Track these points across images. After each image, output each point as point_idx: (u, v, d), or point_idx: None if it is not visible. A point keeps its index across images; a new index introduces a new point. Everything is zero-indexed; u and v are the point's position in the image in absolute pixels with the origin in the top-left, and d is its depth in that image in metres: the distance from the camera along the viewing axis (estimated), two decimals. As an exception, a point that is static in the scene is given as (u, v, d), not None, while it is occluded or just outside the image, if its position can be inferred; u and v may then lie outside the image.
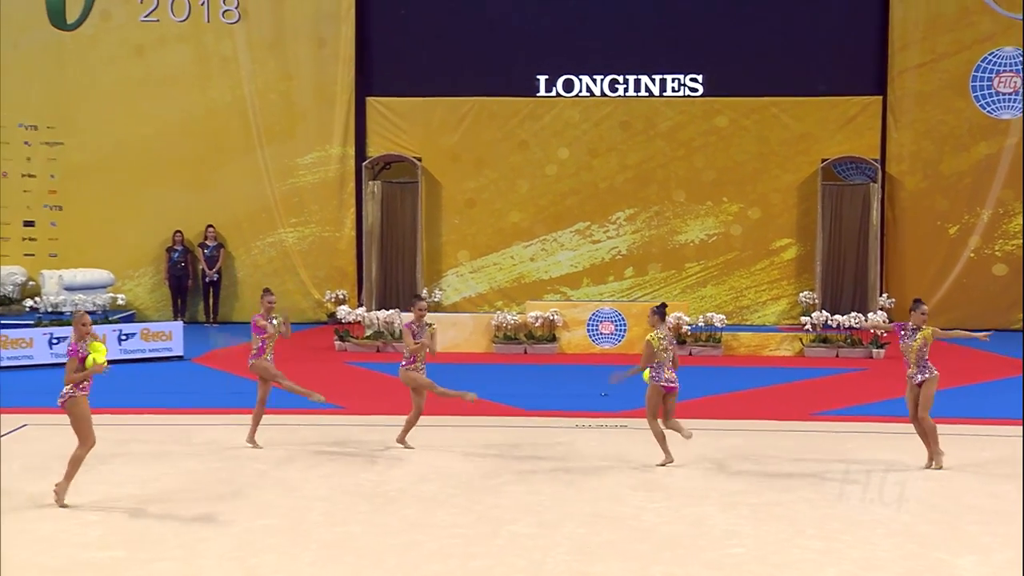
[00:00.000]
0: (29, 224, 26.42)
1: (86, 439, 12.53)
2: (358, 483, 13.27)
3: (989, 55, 25.06)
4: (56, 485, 12.44)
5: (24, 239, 26.40)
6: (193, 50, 26.04)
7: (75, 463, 12.50)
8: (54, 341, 20.73)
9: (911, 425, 16.02)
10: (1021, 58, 24.92)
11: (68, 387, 12.51)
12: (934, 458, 14.10)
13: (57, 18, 26.01)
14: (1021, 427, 15.61)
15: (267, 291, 15.44)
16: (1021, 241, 25.17)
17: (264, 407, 15.06)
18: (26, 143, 26.24)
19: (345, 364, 21.26)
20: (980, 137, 25.22)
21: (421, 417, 14.98)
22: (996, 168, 25.14)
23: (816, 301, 24.31)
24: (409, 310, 15.64)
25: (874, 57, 25.38)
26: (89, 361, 12.45)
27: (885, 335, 19.59)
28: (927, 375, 14.45)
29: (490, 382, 19.04)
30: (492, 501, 12.52)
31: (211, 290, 25.84)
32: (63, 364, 19.50)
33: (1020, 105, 24.98)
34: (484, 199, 25.99)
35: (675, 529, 11.62)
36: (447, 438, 15.10)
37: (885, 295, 24.59)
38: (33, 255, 26.27)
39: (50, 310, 23.56)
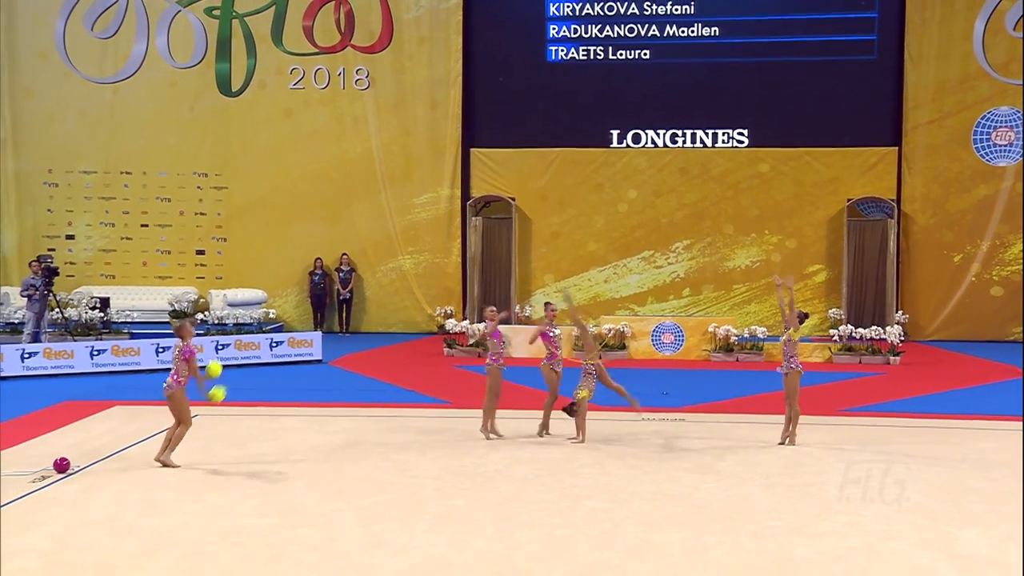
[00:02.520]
0: (200, 253, 26.83)
1: (188, 420, 13.27)
2: (462, 465, 13.31)
3: (988, 113, 24.67)
4: (156, 458, 13.14)
5: (196, 265, 26.82)
6: (331, 112, 26.32)
7: (179, 439, 13.23)
8: (219, 347, 21.02)
9: (923, 419, 15.84)
10: (1015, 116, 24.54)
11: (172, 379, 13.17)
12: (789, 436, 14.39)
13: (224, 87, 26.43)
14: (1021, 423, 15.29)
15: (548, 304, 15.51)
16: (1016, 268, 24.73)
17: (555, 399, 14.93)
18: (198, 187, 26.67)
19: (452, 367, 21.35)
20: (980, 181, 24.82)
21: (511, 410, 14.98)
22: (994, 207, 24.73)
23: (842, 317, 24.04)
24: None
25: (891, 115, 25.05)
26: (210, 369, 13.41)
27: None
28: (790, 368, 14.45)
29: (571, 383, 18.98)
30: (572, 481, 12.51)
31: (344, 306, 26.04)
32: (228, 366, 19.98)
33: (1014, 155, 24.62)
34: (566, 232, 25.98)
35: (724, 505, 11.54)
36: (535, 428, 15.08)
37: (900, 312, 24.25)
38: (203, 278, 26.69)
39: (216, 322, 23.92)
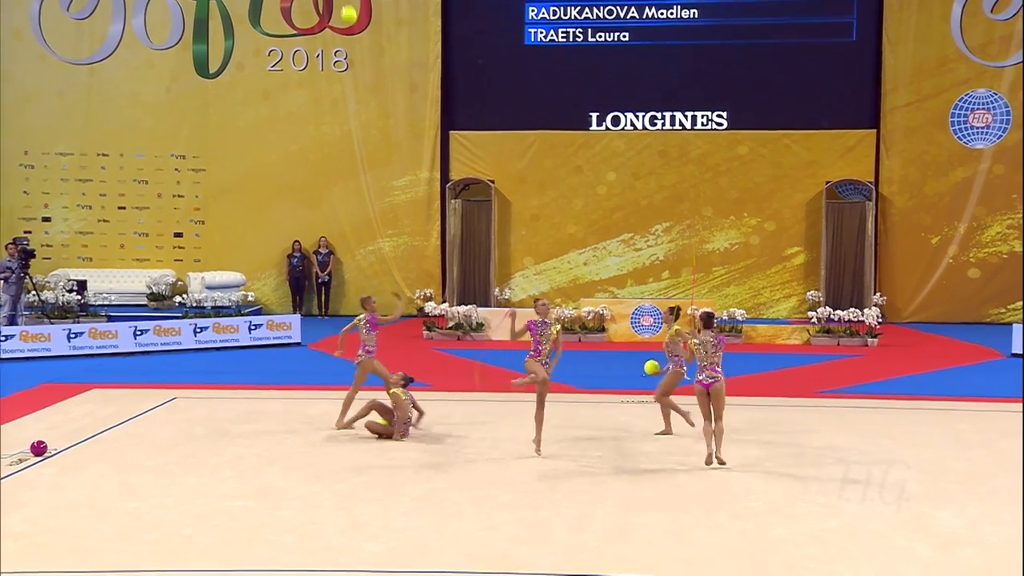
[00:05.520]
0: (178, 235, 26.71)
1: (358, 387, 14.50)
2: (442, 447, 13.31)
3: (965, 96, 24.73)
4: (345, 422, 14.18)
5: (174, 247, 26.71)
6: (310, 94, 26.19)
7: (348, 403, 14.34)
8: (198, 330, 20.94)
9: (901, 400, 15.91)
10: (992, 98, 24.61)
11: (362, 350, 14.39)
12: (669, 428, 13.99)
13: (201, 68, 26.27)
14: (1021, 404, 15.33)
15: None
16: (992, 249, 24.81)
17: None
18: (176, 170, 26.54)
19: (432, 350, 21.33)
20: (957, 164, 24.90)
21: (496, 392, 14.97)
22: (971, 189, 24.80)
23: (821, 299, 24.10)
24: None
25: (869, 97, 25.09)
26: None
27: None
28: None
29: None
30: (552, 463, 12.51)
31: (323, 289, 25.96)
32: (206, 349, 20.06)
33: (991, 137, 24.69)
34: (546, 214, 25.96)
35: (703, 487, 11.57)
36: (516, 411, 15.08)
37: (878, 294, 24.34)
38: (181, 260, 26.57)
39: (194, 305, 23.79)
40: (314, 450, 13.14)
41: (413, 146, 26.01)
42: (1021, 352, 19.76)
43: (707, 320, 12.94)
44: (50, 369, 18.59)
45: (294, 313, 24.28)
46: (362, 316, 14.51)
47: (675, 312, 14.41)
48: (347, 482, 11.70)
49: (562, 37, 25.59)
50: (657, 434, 13.94)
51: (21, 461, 12.33)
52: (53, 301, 23.21)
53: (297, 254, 25.71)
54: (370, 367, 14.42)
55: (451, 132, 25.99)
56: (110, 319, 22.80)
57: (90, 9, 26.22)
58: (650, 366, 13.89)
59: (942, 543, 9.83)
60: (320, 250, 25.81)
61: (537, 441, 12.92)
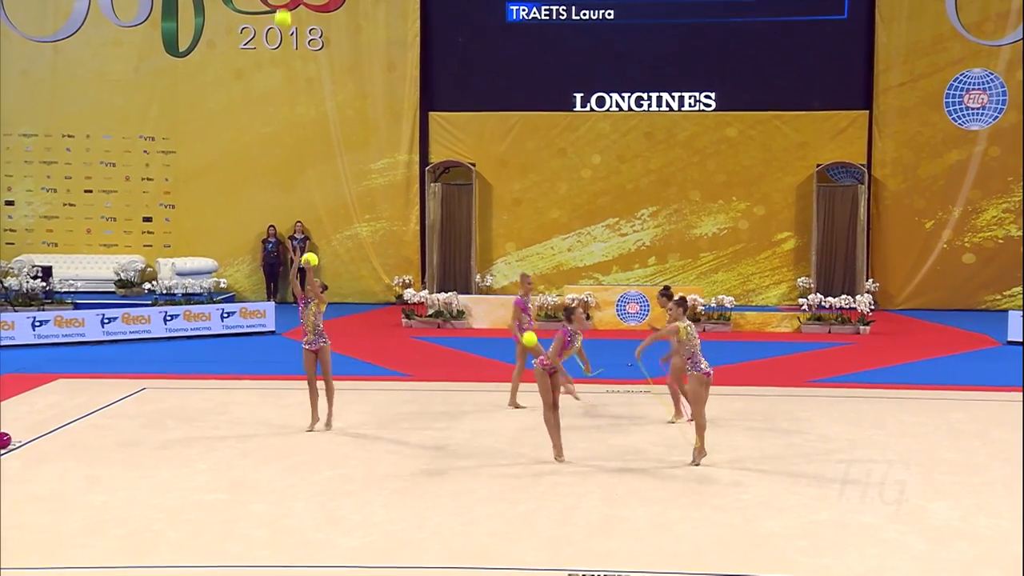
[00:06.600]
0: (147, 220, 26.59)
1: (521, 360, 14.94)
2: (422, 439, 13.29)
3: (960, 75, 24.80)
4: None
5: (143, 232, 26.58)
6: (284, 73, 26.08)
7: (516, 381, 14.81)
8: (168, 318, 20.87)
9: (894, 390, 15.97)
10: (987, 78, 24.68)
11: (513, 323, 14.82)
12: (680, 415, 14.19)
13: (171, 47, 26.13)
14: (1021, 394, 15.40)
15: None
16: (987, 234, 24.92)
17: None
18: (145, 152, 26.40)
19: (410, 338, 21.30)
20: (952, 145, 24.97)
21: (479, 382, 14.97)
22: (965, 172, 24.90)
23: (811, 285, 24.17)
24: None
25: (862, 77, 25.15)
26: None
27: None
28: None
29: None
30: (535, 455, 12.51)
31: (299, 275, 25.84)
32: (177, 337, 20.02)
33: (987, 118, 24.76)
34: (528, 198, 25.94)
35: (690, 479, 11.59)
36: (499, 401, 15.09)
37: (870, 280, 24.44)
38: (151, 246, 26.46)
39: (164, 292, 23.70)
40: (289, 442, 13.11)
41: (391, 128, 25.94)
42: (1019, 339, 19.83)
43: (684, 305, 12.99)
44: (14, 358, 18.49)
45: (268, 300, 24.20)
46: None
47: (667, 293, 14.45)
48: (323, 474, 11.68)
49: (545, 15, 25.52)
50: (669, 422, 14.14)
51: (-16, 454, 12.28)
52: (17, 288, 23.07)
53: (272, 239, 25.63)
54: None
55: (430, 113, 25.92)
56: (76, 307, 22.70)
57: (55, -16, 26.06)
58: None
59: (935, 536, 9.87)
60: (295, 235, 25.71)
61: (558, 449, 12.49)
